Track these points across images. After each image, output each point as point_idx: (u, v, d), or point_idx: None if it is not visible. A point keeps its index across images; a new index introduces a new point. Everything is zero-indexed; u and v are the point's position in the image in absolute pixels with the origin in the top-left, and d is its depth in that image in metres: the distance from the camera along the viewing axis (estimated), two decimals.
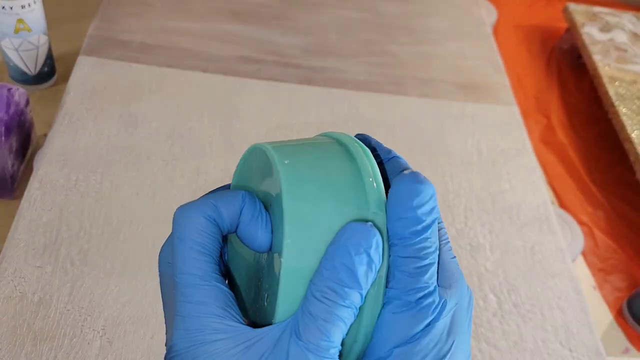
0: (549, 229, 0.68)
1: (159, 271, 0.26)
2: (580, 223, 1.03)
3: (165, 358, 0.23)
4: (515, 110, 0.82)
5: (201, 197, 0.25)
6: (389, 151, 0.28)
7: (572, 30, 1.34)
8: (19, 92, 0.69)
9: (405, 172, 0.25)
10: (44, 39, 0.78)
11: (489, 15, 1.38)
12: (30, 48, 0.77)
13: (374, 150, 0.29)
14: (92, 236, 0.56)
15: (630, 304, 0.89)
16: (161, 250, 0.26)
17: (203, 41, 0.80)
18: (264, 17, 0.87)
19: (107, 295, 0.52)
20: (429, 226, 0.24)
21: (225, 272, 0.28)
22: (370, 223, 0.22)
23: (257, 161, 0.26)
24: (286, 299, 0.22)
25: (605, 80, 1.17)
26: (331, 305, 0.21)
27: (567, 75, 1.36)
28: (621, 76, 1.19)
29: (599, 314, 0.90)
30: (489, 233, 0.65)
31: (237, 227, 0.25)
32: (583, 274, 0.96)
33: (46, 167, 0.61)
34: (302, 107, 0.74)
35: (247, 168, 0.27)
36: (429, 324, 0.23)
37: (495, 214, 0.67)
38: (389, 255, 0.24)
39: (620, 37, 1.31)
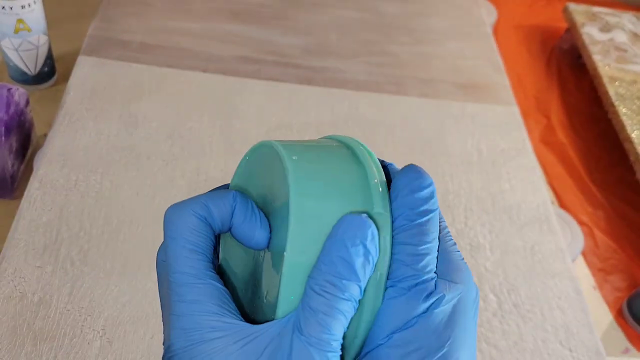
0: (549, 229, 0.68)
1: (157, 272, 0.26)
2: (580, 223, 1.03)
3: (163, 358, 0.23)
4: (515, 110, 0.82)
5: (192, 197, 0.25)
6: (383, 161, 0.28)
7: (572, 30, 1.34)
8: (19, 92, 0.69)
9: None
10: (44, 39, 0.78)
11: (489, 15, 1.38)
12: (30, 48, 0.77)
13: None
14: (92, 236, 0.56)
15: (630, 304, 0.89)
16: (158, 251, 0.26)
17: (203, 41, 0.80)
18: (264, 17, 0.87)
19: (107, 295, 0.52)
20: (425, 213, 0.24)
21: (220, 274, 0.28)
22: (365, 215, 0.23)
23: (262, 158, 0.26)
24: (288, 294, 0.22)
25: (605, 80, 1.17)
26: (331, 298, 0.21)
27: (567, 75, 1.36)
28: (621, 76, 1.19)
29: (599, 314, 0.90)
30: (489, 233, 0.65)
31: (230, 226, 0.25)
32: (583, 274, 0.96)
33: (46, 167, 0.61)
34: (302, 107, 0.74)
35: (251, 165, 0.27)
36: (426, 311, 0.23)
37: (495, 214, 0.67)
38: (392, 254, 0.24)
39: (620, 37, 1.31)
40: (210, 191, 0.26)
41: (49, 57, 0.81)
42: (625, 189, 1.12)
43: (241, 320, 0.23)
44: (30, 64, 0.79)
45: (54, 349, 0.48)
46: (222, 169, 0.65)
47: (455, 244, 0.26)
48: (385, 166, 0.27)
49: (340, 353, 0.22)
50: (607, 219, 1.07)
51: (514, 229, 0.67)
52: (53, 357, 0.47)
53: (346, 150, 0.26)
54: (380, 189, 0.24)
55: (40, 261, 0.53)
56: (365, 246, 0.22)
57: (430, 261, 0.24)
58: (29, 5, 0.73)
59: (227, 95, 0.73)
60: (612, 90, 1.15)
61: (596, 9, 1.38)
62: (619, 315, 0.90)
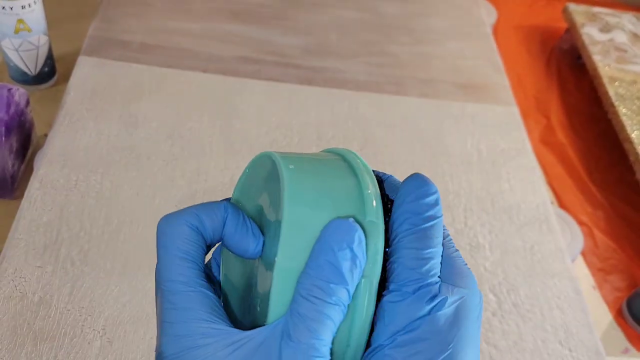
0: (548, 229, 0.68)
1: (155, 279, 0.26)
2: (580, 223, 1.03)
3: None
4: (515, 110, 0.82)
5: (184, 207, 0.25)
6: (383, 174, 0.29)
7: (571, 30, 1.34)
8: (19, 92, 0.69)
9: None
10: (44, 39, 0.78)
11: (489, 15, 1.38)
12: (31, 48, 0.77)
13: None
14: (92, 236, 0.56)
15: (629, 304, 0.89)
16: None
17: (203, 41, 0.80)
18: (264, 17, 0.87)
19: (107, 295, 0.52)
20: (430, 218, 0.24)
21: (220, 291, 0.29)
22: (351, 219, 0.23)
23: (261, 170, 0.27)
24: (278, 300, 0.23)
25: (605, 80, 1.17)
26: (318, 303, 0.22)
27: (567, 76, 1.36)
28: (621, 76, 1.19)
29: (598, 314, 0.90)
30: (489, 233, 0.65)
31: (222, 236, 0.25)
32: (583, 274, 0.96)
33: (46, 167, 0.61)
34: (302, 107, 0.74)
35: (251, 178, 0.28)
36: (429, 313, 0.23)
37: (494, 214, 0.68)
38: (387, 261, 0.24)
39: (620, 37, 1.31)
40: (203, 203, 0.26)
41: (49, 58, 0.81)
42: (625, 189, 1.12)
43: (230, 326, 0.23)
44: (31, 64, 0.79)
45: (54, 348, 0.48)
46: (222, 169, 0.65)
47: (457, 250, 0.26)
48: (384, 179, 0.27)
49: (330, 358, 0.22)
50: (606, 219, 1.07)
51: (513, 228, 0.67)
52: (53, 357, 0.47)
53: (342, 162, 0.26)
54: (374, 199, 0.24)
55: (40, 261, 0.53)
56: (352, 250, 0.22)
57: (434, 265, 0.24)
58: (29, 6, 0.73)
59: (227, 96, 0.73)
60: (612, 90, 1.15)
61: (596, 9, 1.38)
62: (618, 315, 0.90)
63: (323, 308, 0.22)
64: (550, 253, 0.65)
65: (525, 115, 0.97)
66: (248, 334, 0.22)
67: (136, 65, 0.74)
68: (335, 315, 0.22)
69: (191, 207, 0.25)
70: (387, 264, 0.24)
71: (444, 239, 0.25)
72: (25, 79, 0.81)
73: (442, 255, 0.25)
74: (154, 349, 0.24)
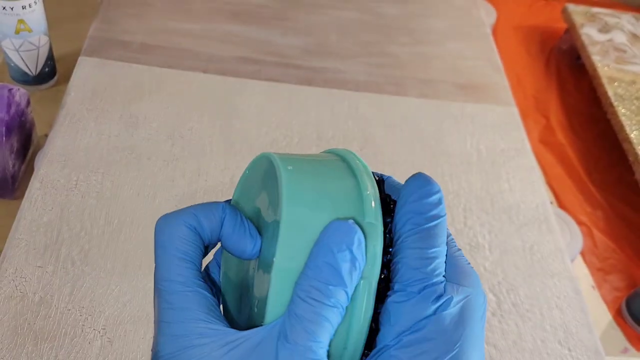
0: (548, 228, 0.68)
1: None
2: (579, 223, 1.03)
3: None
4: (515, 110, 0.82)
5: (182, 208, 0.25)
6: (382, 175, 0.29)
7: (571, 30, 1.34)
8: (20, 93, 0.69)
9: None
10: (44, 40, 0.79)
11: (488, 16, 1.38)
12: (31, 49, 0.77)
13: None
14: (92, 236, 0.56)
15: (629, 304, 0.89)
16: None
17: (203, 42, 0.80)
18: (264, 17, 0.87)
19: (107, 295, 0.52)
20: (434, 218, 0.24)
21: (219, 293, 0.29)
22: (351, 221, 0.23)
23: (260, 171, 0.27)
24: (276, 301, 0.23)
25: (604, 80, 1.18)
26: (316, 305, 0.21)
27: (566, 76, 1.36)
28: (620, 77, 1.19)
29: (598, 313, 0.90)
30: (488, 233, 0.66)
31: (220, 237, 0.25)
32: (582, 274, 0.96)
33: (47, 167, 0.61)
34: (302, 108, 0.74)
35: (250, 180, 0.28)
36: (435, 312, 0.23)
37: (494, 214, 0.68)
38: (385, 262, 0.24)
39: (619, 37, 1.32)
40: (201, 203, 0.26)
41: (50, 58, 0.82)
42: (624, 189, 1.12)
43: (227, 326, 0.23)
44: (31, 65, 0.79)
45: (55, 348, 0.48)
46: (223, 169, 0.65)
47: (460, 250, 0.26)
48: (384, 179, 0.27)
49: None
50: (606, 219, 1.07)
51: (513, 228, 0.67)
52: (54, 357, 0.48)
53: (341, 163, 0.26)
54: (372, 200, 0.24)
55: (41, 261, 0.53)
56: (351, 252, 0.22)
57: (439, 265, 0.24)
58: (30, 6, 0.73)
59: (227, 96, 0.74)
60: (611, 90, 1.15)
61: (595, 9, 1.38)
62: (617, 314, 0.90)
63: (321, 310, 0.21)
64: (550, 253, 0.65)
65: (524, 115, 0.98)
66: (244, 334, 0.22)
67: (136, 65, 0.74)
68: (333, 317, 0.22)
69: (189, 207, 0.25)
70: (391, 265, 0.24)
71: (447, 238, 0.25)
72: (26, 79, 0.81)
73: (445, 255, 0.25)
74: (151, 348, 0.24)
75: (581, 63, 1.30)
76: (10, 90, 0.67)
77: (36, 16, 0.75)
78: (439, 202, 0.24)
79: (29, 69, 0.80)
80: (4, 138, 0.66)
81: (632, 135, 1.05)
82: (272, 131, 0.70)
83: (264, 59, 0.80)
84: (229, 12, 0.86)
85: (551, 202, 1.06)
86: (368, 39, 0.88)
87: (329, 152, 0.28)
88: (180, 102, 0.71)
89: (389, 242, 0.25)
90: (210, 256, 0.31)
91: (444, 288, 0.23)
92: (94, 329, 0.50)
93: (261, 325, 0.23)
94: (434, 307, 0.23)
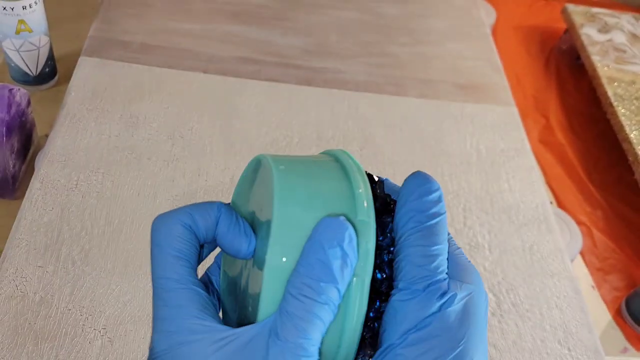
0: (547, 228, 0.68)
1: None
2: (579, 223, 1.03)
3: None
4: (514, 110, 0.83)
5: (178, 207, 0.26)
6: (379, 177, 0.29)
7: (570, 31, 1.34)
8: (20, 93, 0.69)
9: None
10: (45, 40, 0.79)
11: (488, 16, 1.38)
12: (32, 49, 0.77)
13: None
14: (93, 236, 0.56)
15: (628, 304, 0.90)
16: None
17: (203, 42, 0.81)
18: (264, 17, 0.87)
19: (108, 295, 0.52)
20: (435, 215, 0.24)
21: (219, 298, 0.29)
22: (342, 217, 0.23)
23: (256, 171, 0.28)
24: (269, 298, 0.23)
25: (604, 80, 1.18)
26: (307, 302, 0.22)
27: (566, 76, 1.37)
28: (620, 77, 1.20)
29: (597, 313, 0.90)
30: (488, 233, 0.66)
31: (215, 236, 0.26)
32: (582, 274, 0.96)
33: (47, 167, 0.61)
34: (302, 108, 0.74)
35: (247, 181, 0.29)
36: (439, 310, 0.23)
37: (494, 214, 0.68)
38: (387, 261, 0.24)
39: (619, 37, 1.32)
40: (197, 202, 0.27)
41: (50, 58, 0.82)
42: (624, 189, 1.12)
43: (220, 323, 0.23)
44: (32, 65, 0.80)
45: (55, 348, 0.48)
46: (223, 169, 0.65)
47: (460, 248, 0.26)
48: (382, 181, 0.27)
49: (319, 358, 0.22)
50: (605, 219, 1.07)
51: (512, 228, 0.67)
52: (54, 357, 0.48)
53: (335, 163, 0.26)
54: (364, 198, 0.24)
55: (41, 261, 0.53)
56: (342, 248, 0.22)
57: (442, 262, 0.24)
58: (30, 6, 0.73)
59: (228, 96, 0.74)
60: (611, 90, 1.15)
61: (595, 9, 1.38)
62: (617, 314, 0.90)
63: (312, 307, 0.21)
64: (550, 253, 0.65)
65: (524, 115, 0.98)
66: (237, 331, 0.22)
67: (136, 65, 0.74)
68: (325, 314, 0.22)
69: (185, 206, 0.26)
70: (393, 264, 0.25)
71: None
72: (26, 80, 0.81)
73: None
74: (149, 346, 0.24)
75: (581, 63, 1.30)
76: (10, 90, 0.67)
77: (36, 16, 0.75)
78: (439, 200, 0.25)
79: (30, 69, 0.80)
80: (4, 138, 0.66)
81: (632, 135, 1.05)
82: (272, 131, 0.70)
83: (264, 59, 0.80)
84: (229, 12, 0.87)
85: (551, 202, 1.06)
86: (368, 39, 0.88)
87: (324, 153, 0.29)
88: (180, 102, 0.71)
89: (390, 242, 0.25)
90: (211, 259, 0.31)
91: (448, 285, 0.24)
92: (95, 329, 0.50)
93: (253, 322, 0.23)
94: (438, 304, 0.23)
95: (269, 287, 0.23)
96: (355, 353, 0.24)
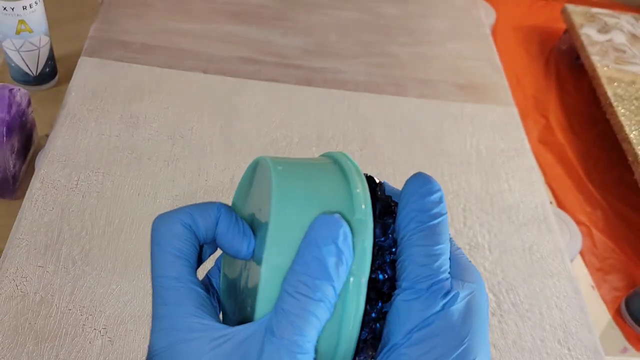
0: (547, 228, 0.68)
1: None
2: (579, 223, 1.03)
3: (147, 359, 0.24)
4: (514, 110, 0.83)
5: (179, 207, 0.26)
6: (381, 182, 0.29)
7: (570, 31, 1.35)
8: (21, 93, 0.69)
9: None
10: (45, 40, 0.79)
11: (488, 16, 1.39)
12: (32, 49, 0.78)
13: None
14: (93, 236, 0.56)
15: (628, 304, 0.90)
16: None
17: (203, 42, 0.81)
18: (264, 17, 0.87)
19: (108, 295, 0.52)
20: (437, 215, 0.24)
21: (220, 301, 0.30)
22: (337, 215, 0.23)
23: (255, 173, 0.28)
24: (266, 297, 0.23)
25: (604, 80, 1.18)
26: (302, 299, 0.22)
27: (566, 76, 1.37)
28: (619, 77, 1.20)
29: (597, 313, 0.90)
30: (488, 233, 0.66)
31: (215, 236, 0.26)
32: (581, 274, 0.96)
33: (48, 167, 0.61)
34: (302, 108, 0.74)
35: (247, 183, 0.29)
36: (442, 308, 0.23)
37: (494, 214, 0.68)
38: (389, 262, 0.24)
39: (619, 38, 1.32)
40: (197, 203, 0.27)
41: (51, 58, 0.82)
42: (624, 189, 1.12)
43: (219, 322, 0.23)
44: (32, 65, 0.80)
45: (56, 348, 0.48)
46: (223, 169, 0.65)
47: (460, 248, 0.26)
48: (381, 182, 0.27)
49: (314, 356, 0.22)
50: (605, 219, 1.07)
51: (512, 228, 0.67)
52: (54, 357, 0.48)
53: (334, 165, 0.27)
54: (362, 198, 0.24)
55: (41, 261, 0.53)
56: (337, 245, 0.22)
57: (445, 262, 0.24)
58: (31, 7, 0.73)
59: (228, 96, 0.74)
60: (611, 90, 1.15)
61: (595, 10, 1.38)
62: (617, 314, 0.90)
63: (307, 304, 0.22)
64: (549, 253, 0.65)
65: (524, 115, 0.98)
66: (234, 329, 0.22)
67: (137, 65, 0.74)
68: (320, 312, 0.22)
69: (185, 206, 0.26)
70: (396, 264, 0.25)
71: None
72: (27, 80, 0.81)
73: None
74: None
75: (580, 63, 1.30)
76: (11, 90, 0.67)
77: (37, 17, 0.75)
78: (440, 201, 0.25)
79: (30, 69, 0.80)
80: (4, 138, 0.66)
81: (632, 135, 1.05)
82: (272, 131, 0.70)
83: (264, 59, 0.80)
84: (229, 12, 0.87)
85: (550, 202, 1.06)
86: (368, 39, 0.88)
87: (323, 155, 0.29)
88: (180, 102, 0.71)
89: (392, 243, 0.25)
90: (211, 262, 0.31)
91: (451, 284, 0.24)
92: (95, 329, 0.50)
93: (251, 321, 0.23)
94: (442, 303, 0.23)
95: (266, 286, 0.23)
96: (354, 353, 0.24)
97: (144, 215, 0.59)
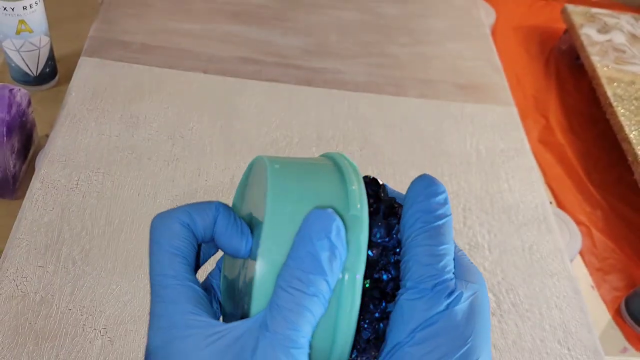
0: (547, 228, 0.68)
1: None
2: (578, 223, 1.03)
3: (145, 357, 0.24)
4: (514, 110, 0.83)
5: (177, 206, 0.26)
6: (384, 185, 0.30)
7: (570, 31, 1.35)
8: (21, 93, 0.69)
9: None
10: (45, 40, 0.79)
11: (488, 16, 1.39)
12: (32, 49, 0.78)
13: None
14: (93, 236, 0.56)
15: (628, 304, 0.90)
16: None
17: (203, 42, 0.81)
18: (264, 17, 0.87)
19: (108, 295, 0.52)
20: (442, 216, 0.25)
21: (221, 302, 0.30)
22: (330, 210, 0.23)
23: (253, 173, 0.28)
24: (261, 293, 0.23)
25: (604, 81, 1.18)
26: (296, 294, 0.22)
27: (566, 76, 1.37)
28: (619, 77, 1.20)
29: (597, 313, 0.90)
30: (488, 233, 0.66)
31: (213, 235, 0.26)
32: (581, 274, 0.96)
33: (48, 167, 0.61)
34: (302, 108, 0.74)
35: (245, 181, 0.29)
36: (446, 308, 0.23)
37: (493, 214, 0.68)
38: (394, 262, 0.24)
39: (619, 38, 1.32)
40: (196, 202, 0.27)
41: (51, 58, 0.82)
42: (624, 189, 1.12)
43: (215, 319, 0.24)
44: (32, 65, 0.80)
45: (56, 348, 0.48)
46: (223, 169, 0.65)
47: (461, 250, 0.27)
48: (384, 184, 0.28)
49: (309, 351, 0.22)
50: (605, 219, 1.07)
51: (512, 228, 0.67)
52: (55, 357, 0.48)
53: (330, 163, 0.27)
54: (357, 194, 0.24)
55: (42, 261, 0.53)
56: (330, 240, 0.22)
57: (449, 262, 0.24)
58: (31, 7, 0.73)
59: (228, 96, 0.74)
60: (611, 90, 1.15)
61: (594, 10, 1.38)
62: (617, 314, 0.90)
63: (301, 299, 0.22)
64: (549, 253, 0.66)
65: (524, 115, 0.98)
66: (230, 326, 0.23)
67: (137, 65, 0.74)
68: (314, 307, 0.22)
69: (184, 205, 0.26)
70: (400, 265, 0.25)
71: None
72: (27, 80, 0.81)
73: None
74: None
75: (580, 63, 1.30)
76: (11, 90, 0.67)
77: (37, 17, 0.75)
78: (445, 202, 0.25)
79: (30, 69, 0.80)
80: (4, 138, 0.66)
81: (631, 135, 1.05)
82: (272, 131, 0.71)
83: (264, 59, 0.80)
84: (229, 12, 0.87)
85: (550, 202, 1.06)
86: (368, 39, 0.88)
87: (322, 156, 0.29)
88: (180, 102, 0.71)
89: (396, 243, 0.25)
90: (212, 265, 0.31)
91: (455, 284, 0.24)
92: (95, 329, 0.50)
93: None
94: (446, 302, 0.23)
95: (262, 283, 0.23)
96: (351, 350, 0.24)
97: (144, 215, 0.59)
